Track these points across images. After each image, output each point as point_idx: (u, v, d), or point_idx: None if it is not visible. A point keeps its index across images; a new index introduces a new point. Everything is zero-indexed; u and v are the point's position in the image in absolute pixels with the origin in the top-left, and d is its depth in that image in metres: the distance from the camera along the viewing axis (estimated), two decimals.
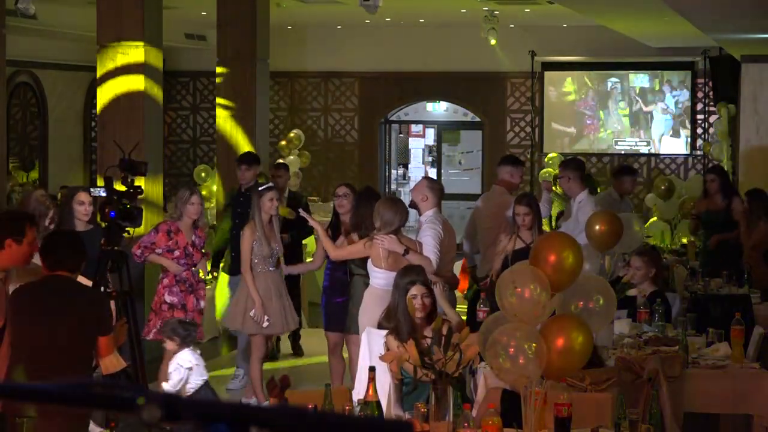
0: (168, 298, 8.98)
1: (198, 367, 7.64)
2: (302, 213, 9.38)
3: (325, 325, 9.57)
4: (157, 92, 11.61)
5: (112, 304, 7.94)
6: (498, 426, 5.34)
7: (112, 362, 6.07)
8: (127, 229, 8.17)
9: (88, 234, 8.54)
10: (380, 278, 8.46)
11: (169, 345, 7.70)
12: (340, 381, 9.49)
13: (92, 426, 8.33)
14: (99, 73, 11.35)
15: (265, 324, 9.20)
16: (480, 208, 10.62)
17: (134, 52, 11.22)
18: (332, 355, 9.61)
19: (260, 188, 9.40)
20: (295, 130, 18.48)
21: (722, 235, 11.50)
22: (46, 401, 1.82)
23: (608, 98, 19.25)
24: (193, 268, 9.21)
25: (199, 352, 7.82)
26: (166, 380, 7.63)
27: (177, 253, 9.05)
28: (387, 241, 8.42)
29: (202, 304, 9.18)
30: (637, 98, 19.16)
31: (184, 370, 7.57)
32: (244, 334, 9.58)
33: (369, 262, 8.63)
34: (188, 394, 7.56)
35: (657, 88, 19.09)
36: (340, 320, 9.35)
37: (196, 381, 7.64)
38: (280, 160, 17.40)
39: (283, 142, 17.99)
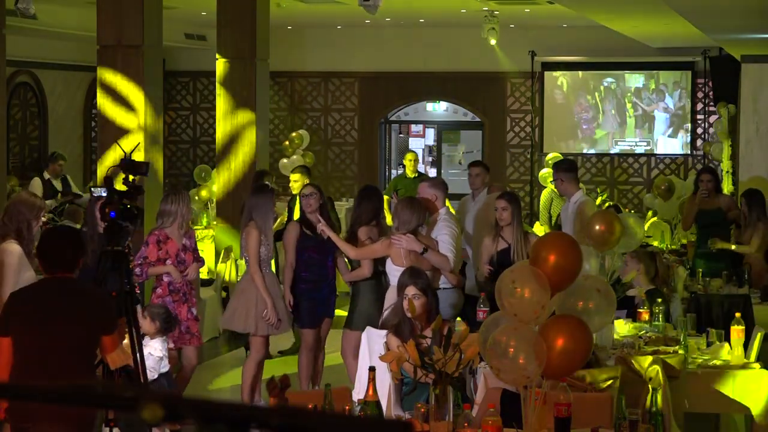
0: None
1: (165, 358, 7.84)
2: (321, 228, 9.28)
3: (300, 323, 9.59)
4: (157, 92, 11.61)
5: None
6: (498, 426, 5.34)
7: (119, 356, 6.08)
8: (127, 228, 8.17)
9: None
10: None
11: (147, 325, 7.92)
12: (308, 381, 9.50)
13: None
14: (99, 73, 11.36)
15: (277, 323, 9.15)
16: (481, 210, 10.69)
17: (134, 51, 11.23)
18: (310, 352, 9.61)
19: (268, 188, 9.43)
20: (299, 131, 18.48)
21: (723, 242, 11.42)
22: (48, 401, 1.82)
23: (607, 98, 19.25)
24: (185, 276, 9.04)
25: (167, 344, 8.00)
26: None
27: (168, 261, 8.93)
28: (405, 241, 8.49)
29: (195, 311, 9.10)
30: (636, 98, 19.17)
31: (154, 358, 7.77)
32: (259, 335, 9.38)
33: (388, 262, 8.69)
34: (153, 378, 7.82)
35: (655, 87, 19.08)
36: (314, 317, 9.41)
37: (160, 370, 7.91)
38: (284, 160, 17.41)
39: (287, 143, 18.00)
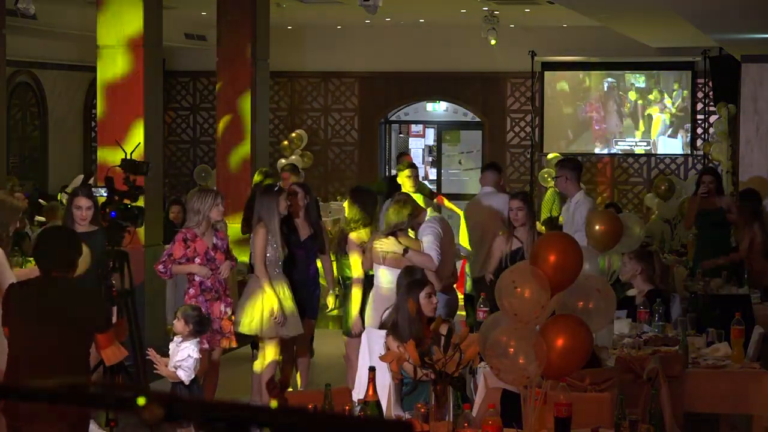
0: None
1: (198, 361, 7.77)
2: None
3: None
4: (157, 92, 11.61)
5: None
6: (498, 426, 5.34)
7: (114, 352, 6.09)
8: (128, 228, 8.16)
9: (90, 235, 8.52)
10: (382, 276, 8.54)
11: (179, 327, 7.82)
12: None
13: (93, 426, 8.36)
14: (99, 73, 11.36)
15: (283, 322, 9.08)
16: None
17: (134, 52, 11.23)
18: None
19: (275, 189, 9.36)
20: (298, 131, 18.47)
21: (716, 261, 11.34)
22: (47, 401, 1.82)
23: (607, 98, 19.25)
24: (218, 275, 9.00)
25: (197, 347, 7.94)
26: (173, 366, 7.75)
27: (197, 260, 8.84)
28: (386, 244, 8.55)
29: (230, 311, 8.99)
30: (636, 98, 19.16)
31: (193, 360, 7.70)
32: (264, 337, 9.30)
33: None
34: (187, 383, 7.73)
35: (655, 87, 19.08)
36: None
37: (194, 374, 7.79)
38: (282, 160, 17.42)
39: (285, 143, 18.00)
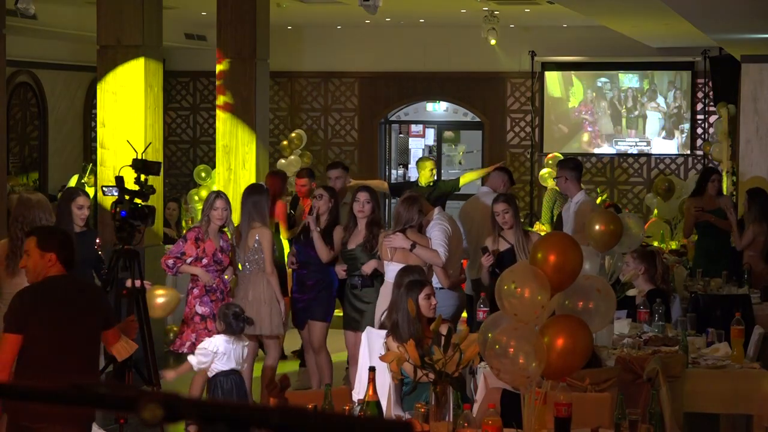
0: (199, 309, 8.86)
1: (225, 356, 7.81)
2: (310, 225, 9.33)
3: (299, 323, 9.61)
4: (157, 92, 11.61)
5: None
6: (498, 426, 5.34)
7: (124, 347, 6.10)
8: (138, 228, 8.18)
9: (82, 235, 8.52)
10: (392, 271, 8.56)
11: (217, 322, 8.00)
12: (318, 382, 9.52)
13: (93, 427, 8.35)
14: (99, 73, 11.36)
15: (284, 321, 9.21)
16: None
17: (134, 51, 11.23)
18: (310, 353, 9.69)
19: (263, 188, 9.46)
20: (297, 131, 18.47)
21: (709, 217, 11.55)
22: (48, 401, 1.82)
23: (606, 98, 19.24)
24: (224, 276, 9.05)
25: (238, 344, 7.96)
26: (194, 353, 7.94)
27: (205, 260, 8.88)
28: (394, 240, 8.63)
29: None
30: (633, 99, 19.15)
31: (208, 352, 7.77)
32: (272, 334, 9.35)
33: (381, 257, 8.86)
34: (210, 376, 7.82)
35: (650, 88, 19.07)
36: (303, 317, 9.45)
37: (219, 367, 7.82)
38: (282, 161, 17.40)
39: (285, 143, 17.99)
